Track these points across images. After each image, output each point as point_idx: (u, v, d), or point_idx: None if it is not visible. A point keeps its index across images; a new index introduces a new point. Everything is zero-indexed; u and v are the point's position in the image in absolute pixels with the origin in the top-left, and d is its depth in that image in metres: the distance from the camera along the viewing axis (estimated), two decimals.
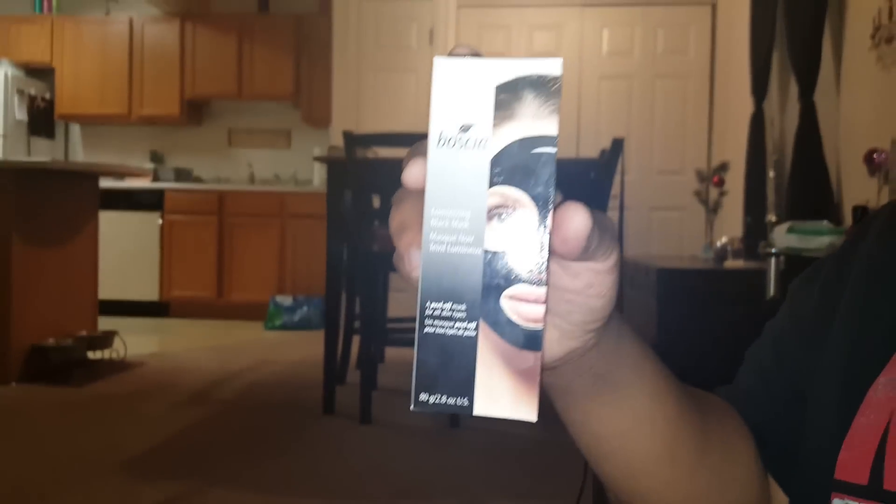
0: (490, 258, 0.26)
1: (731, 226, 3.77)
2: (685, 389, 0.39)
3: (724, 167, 3.86)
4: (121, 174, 4.02)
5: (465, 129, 0.26)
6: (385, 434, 2.47)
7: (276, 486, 2.00)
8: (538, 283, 0.26)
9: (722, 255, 3.19)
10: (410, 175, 0.27)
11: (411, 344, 0.32)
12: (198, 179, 5.25)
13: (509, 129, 0.26)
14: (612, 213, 3.42)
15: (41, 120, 4.94)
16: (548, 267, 0.26)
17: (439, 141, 0.26)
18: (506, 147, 0.26)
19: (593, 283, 0.28)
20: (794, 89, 3.04)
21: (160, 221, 4.84)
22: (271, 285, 4.74)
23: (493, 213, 0.26)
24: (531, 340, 0.26)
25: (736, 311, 2.52)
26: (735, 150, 3.83)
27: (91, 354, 3.35)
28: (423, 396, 0.27)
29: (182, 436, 2.43)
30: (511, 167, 0.26)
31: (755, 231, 3.26)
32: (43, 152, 4.82)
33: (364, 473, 2.14)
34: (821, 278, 0.44)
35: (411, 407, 0.27)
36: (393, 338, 3.02)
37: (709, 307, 2.82)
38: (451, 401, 0.27)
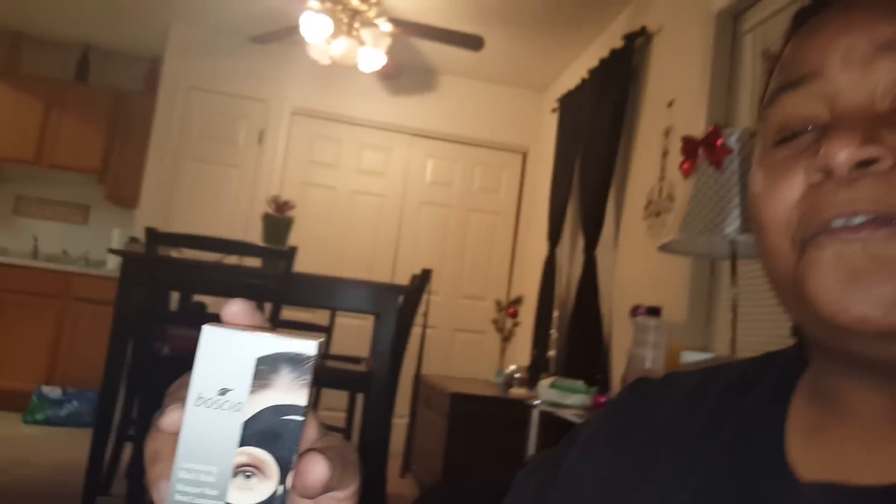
0: None
1: (522, 354, 4.05)
2: None
3: (519, 301, 4.20)
4: None
5: (223, 392, 0.28)
6: None
7: None
8: None
9: (509, 382, 3.45)
10: (167, 422, 0.29)
11: None
12: None
13: (264, 397, 0.29)
14: (417, 331, 3.54)
15: None
16: None
17: (198, 400, 0.28)
18: (259, 412, 0.29)
19: None
20: (581, 241, 3.44)
21: None
22: (39, 373, 4.16)
23: (239, 470, 0.28)
24: None
25: (517, 436, 2.69)
26: (531, 287, 4.19)
27: None
28: None
29: None
30: (261, 430, 0.28)
31: (539, 363, 3.55)
32: None
33: None
34: (538, 473, 0.48)
35: None
36: None
37: (494, 431, 3.02)
38: None
